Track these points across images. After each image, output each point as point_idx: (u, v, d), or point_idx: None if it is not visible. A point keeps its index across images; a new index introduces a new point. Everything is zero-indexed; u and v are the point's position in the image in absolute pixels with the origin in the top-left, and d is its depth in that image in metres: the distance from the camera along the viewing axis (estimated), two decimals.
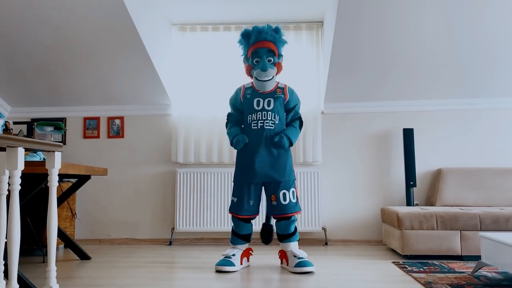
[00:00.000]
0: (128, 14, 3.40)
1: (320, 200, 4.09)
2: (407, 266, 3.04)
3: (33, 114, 4.51)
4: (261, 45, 3.00)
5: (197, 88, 4.31)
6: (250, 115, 3.05)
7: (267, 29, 3.03)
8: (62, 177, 3.64)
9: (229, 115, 3.23)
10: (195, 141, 4.26)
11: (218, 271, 2.93)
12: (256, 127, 3.01)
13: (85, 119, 4.45)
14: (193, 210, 4.13)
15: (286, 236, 2.99)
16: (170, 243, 4.16)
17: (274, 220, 3.07)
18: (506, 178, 3.90)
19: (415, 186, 3.96)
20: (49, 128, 3.87)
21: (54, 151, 2.12)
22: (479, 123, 4.20)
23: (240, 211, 3.00)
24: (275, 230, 3.09)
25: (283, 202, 2.95)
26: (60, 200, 3.43)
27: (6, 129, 3.98)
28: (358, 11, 3.34)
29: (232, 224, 3.09)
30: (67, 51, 3.81)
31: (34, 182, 2.63)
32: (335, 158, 4.26)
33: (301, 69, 4.27)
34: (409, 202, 3.96)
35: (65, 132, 4.40)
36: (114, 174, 4.37)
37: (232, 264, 2.94)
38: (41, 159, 2.95)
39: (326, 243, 4.10)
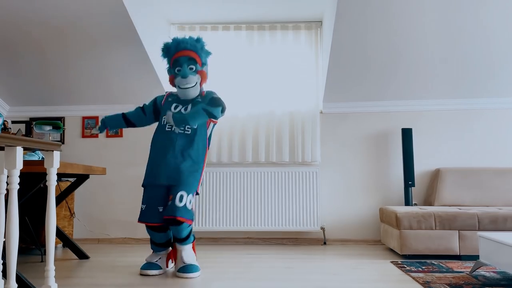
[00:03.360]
0: (127, 14, 3.40)
1: (318, 200, 4.09)
2: (405, 266, 3.05)
3: (32, 113, 4.50)
4: (181, 54, 2.97)
5: None
6: (165, 116, 2.94)
7: (188, 39, 3.00)
8: (60, 176, 3.63)
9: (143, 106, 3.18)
10: None
11: (142, 275, 2.83)
12: (169, 129, 2.93)
13: (84, 118, 4.44)
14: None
15: (178, 240, 2.84)
16: None
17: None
18: (504, 178, 3.91)
19: (414, 186, 3.97)
20: (48, 127, 3.85)
21: (52, 150, 2.12)
22: (477, 123, 4.20)
23: (149, 218, 2.82)
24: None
25: (177, 204, 2.72)
26: (59, 200, 3.42)
27: (5, 128, 3.98)
28: (357, 11, 3.34)
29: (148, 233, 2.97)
30: (66, 50, 3.81)
31: (32, 182, 2.62)
32: (334, 157, 4.26)
33: (300, 69, 4.28)
34: (407, 202, 3.96)
35: (63, 131, 4.40)
36: (113, 174, 4.36)
37: (158, 268, 2.87)
38: (40, 159, 2.95)
39: (324, 243, 4.10)
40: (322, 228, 4.11)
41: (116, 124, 3.17)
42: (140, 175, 4.33)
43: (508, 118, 4.19)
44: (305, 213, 4.08)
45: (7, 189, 1.83)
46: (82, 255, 3.42)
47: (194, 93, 3.00)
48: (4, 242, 1.81)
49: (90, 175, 4.32)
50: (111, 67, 3.98)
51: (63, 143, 4.42)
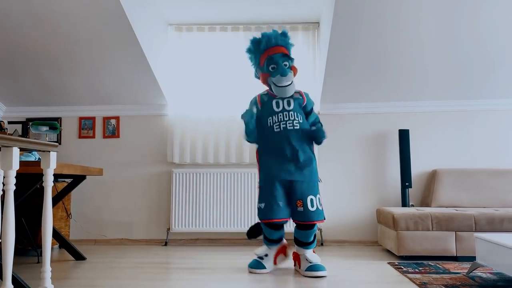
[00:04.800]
0: (124, 14, 3.39)
1: None
2: (402, 267, 3.05)
3: (28, 113, 4.48)
4: (275, 51, 2.94)
5: (193, 89, 4.31)
6: (270, 118, 2.91)
7: (276, 34, 2.99)
8: (57, 177, 3.62)
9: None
10: (191, 141, 4.25)
11: (250, 272, 2.89)
12: (278, 129, 2.88)
13: (81, 119, 4.43)
14: (189, 211, 4.12)
15: (304, 244, 2.91)
16: (166, 244, 4.15)
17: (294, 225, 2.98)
18: (501, 179, 3.92)
19: (411, 187, 3.98)
20: (44, 128, 3.85)
21: (49, 151, 2.11)
22: (474, 124, 4.22)
23: (272, 215, 2.84)
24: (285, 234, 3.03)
25: (310, 209, 2.82)
26: (55, 200, 3.41)
27: (1, 129, 3.96)
28: (354, 12, 3.35)
29: (263, 231, 2.99)
30: (63, 51, 3.80)
31: (29, 182, 2.62)
32: (331, 158, 4.26)
33: (298, 70, 4.27)
34: (404, 203, 3.97)
35: (60, 132, 4.38)
36: (110, 174, 4.35)
37: (263, 267, 2.90)
38: (36, 159, 2.94)
39: (322, 244, 4.10)
40: (320, 229, 4.11)
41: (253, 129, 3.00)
42: (137, 175, 4.32)
43: (505, 119, 4.20)
44: None
45: (3, 190, 1.82)
46: (78, 256, 3.41)
47: (292, 90, 2.95)
48: (0, 243, 1.81)
49: (87, 176, 4.31)
50: (108, 67, 3.97)
51: (59, 143, 4.41)
